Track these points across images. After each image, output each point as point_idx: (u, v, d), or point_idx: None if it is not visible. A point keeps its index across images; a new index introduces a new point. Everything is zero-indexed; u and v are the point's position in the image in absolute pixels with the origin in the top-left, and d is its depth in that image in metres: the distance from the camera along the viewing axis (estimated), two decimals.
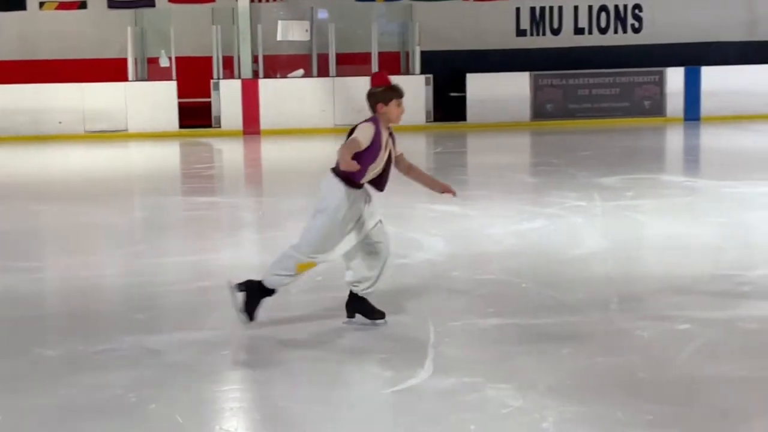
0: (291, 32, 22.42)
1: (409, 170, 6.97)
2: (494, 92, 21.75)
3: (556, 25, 23.41)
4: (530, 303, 7.35)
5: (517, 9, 23.40)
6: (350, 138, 6.44)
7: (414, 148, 19.50)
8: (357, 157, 6.38)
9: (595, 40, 23.16)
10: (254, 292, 6.72)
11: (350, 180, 6.53)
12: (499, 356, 6.19)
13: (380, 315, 6.78)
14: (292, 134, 21.07)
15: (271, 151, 19.56)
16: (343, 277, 6.91)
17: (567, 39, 23.29)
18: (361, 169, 6.46)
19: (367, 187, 6.69)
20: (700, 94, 21.49)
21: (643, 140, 19.37)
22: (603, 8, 23.32)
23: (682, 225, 10.52)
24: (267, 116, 21.47)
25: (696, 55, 22.22)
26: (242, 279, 6.76)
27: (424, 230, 10.37)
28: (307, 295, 7.69)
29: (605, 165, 15.20)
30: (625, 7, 23.28)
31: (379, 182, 6.71)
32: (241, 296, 6.72)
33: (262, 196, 14.24)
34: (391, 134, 6.71)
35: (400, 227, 10.52)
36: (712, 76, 21.51)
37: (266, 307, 6.77)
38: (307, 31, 22.52)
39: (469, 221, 10.99)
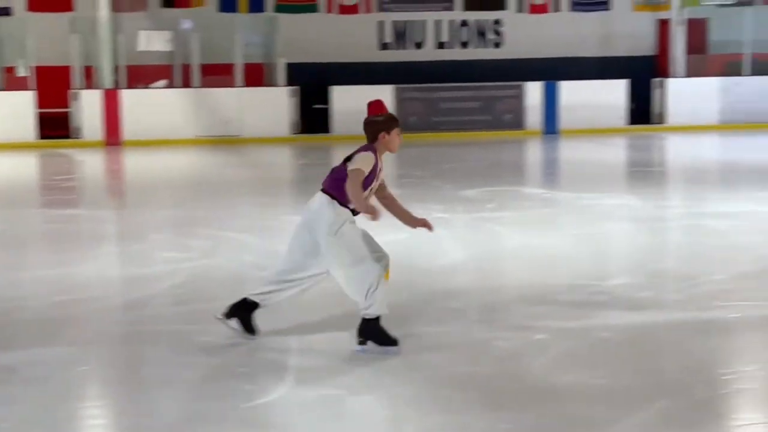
0: (153, 42, 22.16)
1: (388, 200, 6.88)
2: (358, 105, 21.71)
3: (418, 39, 23.67)
4: (392, 315, 7.39)
5: (380, 23, 23.58)
6: (354, 169, 6.37)
7: (278, 159, 19.50)
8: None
9: (457, 54, 23.49)
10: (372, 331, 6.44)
11: (342, 203, 6.47)
12: (361, 368, 6.22)
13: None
14: (154, 145, 20.80)
15: (133, 162, 19.28)
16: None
17: (429, 53, 23.57)
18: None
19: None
20: (558, 108, 21.99)
21: (504, 153, 19.72)
22: (464, 23, 23.67)
23: (541, 236, 10.73)
24: (129, 127, 21.16)
25: (554, 70, 22.72)
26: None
27: (287, 242, 10.34)
28: (169, 308, 7.61)
29: (468, 177, 15.42)
30: (486, 22, 23.68)
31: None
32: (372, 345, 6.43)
33: (125, 208, 14.03)
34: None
35: (264, 239, 10.50)
36: (569, 90, 22.03)
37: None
38: (168, 41, 22.29)
39: None
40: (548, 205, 13.07)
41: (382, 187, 6.75)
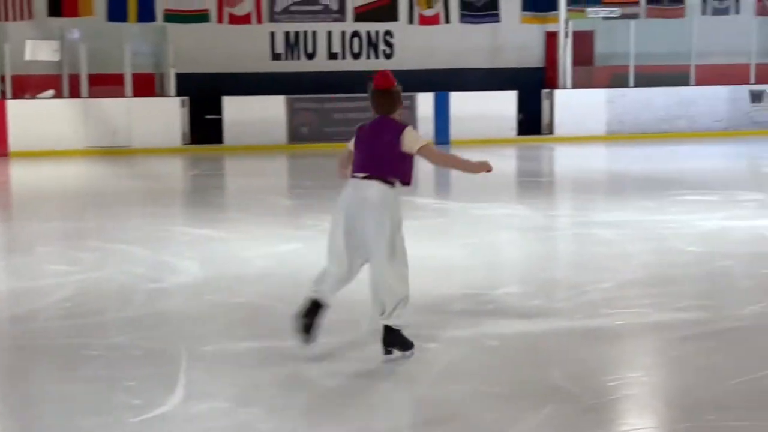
0: (40, 52, 21.76)
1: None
2: (250, 115, 21.79)
3: (310, 50, 23.68)
4: (282, 325, 7.35)
5: (272, 33, 23.52)
6: (422, 146, 6.29)
7: (169, 170, 19.30)
8: (406, 158, 6.28)
9: (348, 64, 23.55)
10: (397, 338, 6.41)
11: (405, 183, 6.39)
12: (251, 380, 6.18)
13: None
14: (42, 156, 20.41)
15: (20, 173, 18.90)
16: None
17: (321, 63, 23.59)
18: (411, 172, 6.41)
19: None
20: (449, 119, 22.19)
21: None
22: (356, 34, 23.76)
23: (433, 246, 10.79)
24: (16, 138, 20.73)
25: (445, 81, 22.93)
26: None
27: (179, 253, 10.27)
28: (56, 322, 7.47)
29: None
30: (377, 33, 23.80)
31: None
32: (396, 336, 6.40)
33: (11, 220, 13.73)
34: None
35: (155, 251, 10.38)
36: (460, 101, 22.26)
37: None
38: (56, 51, 21.91)
39: (225, 244, 10.95)
40: (440, 215, 13.18)
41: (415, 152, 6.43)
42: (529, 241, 11.27)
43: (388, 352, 6.43)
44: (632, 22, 23.39)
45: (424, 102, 22.23)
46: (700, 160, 18.68)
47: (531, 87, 22.96)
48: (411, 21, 23.66)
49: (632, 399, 5.92)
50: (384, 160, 6.36)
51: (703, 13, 24.48)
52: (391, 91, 6.44)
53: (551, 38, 23.80)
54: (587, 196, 14.82)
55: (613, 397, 5.89)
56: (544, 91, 23.02)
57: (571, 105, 22.62)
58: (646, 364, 6.64)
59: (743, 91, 22.60)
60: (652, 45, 23.92)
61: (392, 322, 6.36)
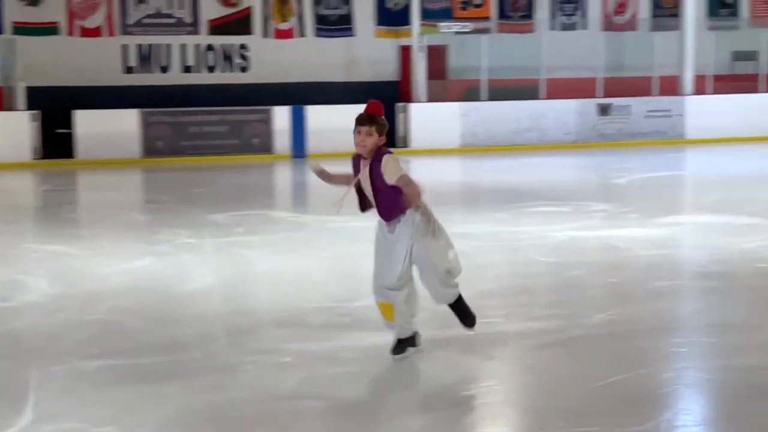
0: None
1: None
2: (103, 129, 21.41)
3: (164, 63, 23.41)
4: (137, 342, 7.27)
5: (124, 46, 23.18)
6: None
7: (20, 186, 18.80)
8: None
9: (203, 78, 23.36)
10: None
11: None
12: (103, 398, 6.07)
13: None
14: None
15: None
16: None
17: (176, 77, 23.34)
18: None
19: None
20: (305, 132, 22.20)
21: (253, 177, 19.72)
22: (210, 47, 23.59)
23: (290, 259, 10.79)
24: None
25: (301, 95, 22.94)
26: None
27: (28, 271, 10.02)
28: None
29: (216, 202, 15.33)
30: (232, 46, 23.67)
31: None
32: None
33: None
34: (373, 160, 6.74)
35: (3, 269, 10.11)
36: (316, 114, 22.29)
37: None
38: None
39: (77, 260, 10.73)
40: (297, 229, 13.16)
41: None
42: None
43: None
44: (484, 37, 23.82)
45: (281, 115, 22.19)
46: (551, 172, 19.11)
47: (386, 100, 23.02)
48: (266, 35, 23.62)
49: (486, 408, 6.02)
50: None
51: (552, 28, 25.10)
52: (383, 123, 6.78)
53: (405, 52, 24.06)
54: (443, 208, 14.91)
55: (468, 406, 5.97)
56: (399, 105, 23.22)
57: (426, 118, 22.87)
58: (500, 373, 6.75)
59: (591, 104, 23.22)
60: (503, 59, 24.40)
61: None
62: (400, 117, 23.07)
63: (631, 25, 25.62)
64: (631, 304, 8.53)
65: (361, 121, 6.72)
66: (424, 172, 20.42)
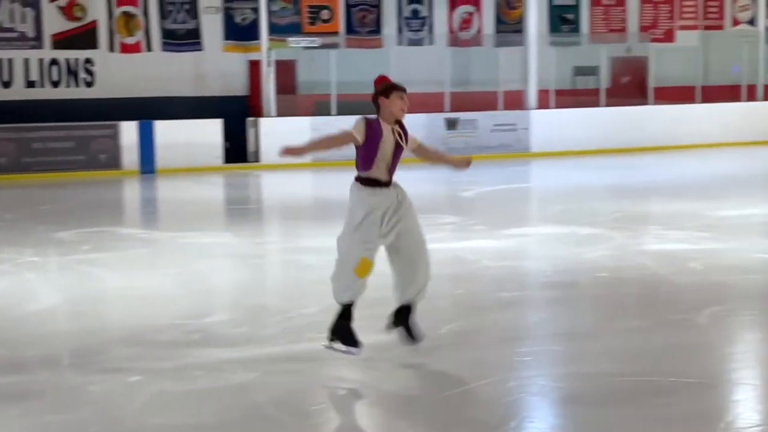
0: None
1: (433, 157, 7.79)
2: None
3: (6, 78, 22.79)
4: None
5: None
6: (344, 131, 7.13)
7: None
8: (361, 154, 7.05)
9: (48, 93, 22.84)
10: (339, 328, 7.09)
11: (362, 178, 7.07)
12: None
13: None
14: None
15: None
16: None
17: (19, 92, 22.75)
18: (367, 160, 7.03)
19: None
20: (154, 148, 21.91)
21: (100, 193, 19.35)
22: (54, 62, 23.06)
23: (139, 277, 10.65)
24: None
25: (150, 110, 22.63)
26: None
27: None
28: None
29: (62, 219, 15.00)
30: (77, 60, 23.20)
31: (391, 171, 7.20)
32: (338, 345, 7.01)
33: None
34: (401, 128, 7.19)
35: None
36: (165, 130, 22.03)
37: None
38: None
39: None
40: (146, 245, 12.98)
41: (422, 151, 7.49)
42: (236, 268, 11.31)
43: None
44: (333, 52, 23.93)
45: (128, 131, 21.82)
46: (402, 185, 19.26)
47: (235, 115, 23.02)
48: (112, 49, 23.24)
49: (333, 422, 6.06)
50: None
51: (399, 43, 25.38)
52: (372, 94, 7.25)
53: (254, 67, 23.97)
54: (293, 223, 15.02)
55: (316, 421, 6.00)
56: (249, 120, 23.13)
57: (276, 133, 22.76)
58: (350, 386, 6.80)
59: (439, 119, 23.53)
60: (353, 74, 24.53)
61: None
62: (250, 132, 22.97)
63: (476, 41, 26.10)
64: (478, 315, 8.70)
65: (404, 89, 7.26)
66: (276, 187, 20.42)
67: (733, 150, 24.24)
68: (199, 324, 8.35)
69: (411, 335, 7.29)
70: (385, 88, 7.21)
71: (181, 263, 11.44)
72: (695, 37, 27.70)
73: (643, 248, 11.71)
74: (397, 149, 7.25)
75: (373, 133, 7.08)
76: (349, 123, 23.99)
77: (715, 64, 27.60)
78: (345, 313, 7.14)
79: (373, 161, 7.11)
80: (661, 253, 11.42)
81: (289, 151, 7.16)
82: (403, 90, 7.24)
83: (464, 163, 7.70)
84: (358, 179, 7.19)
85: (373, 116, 7.23)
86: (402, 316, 7.34)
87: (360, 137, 7.03)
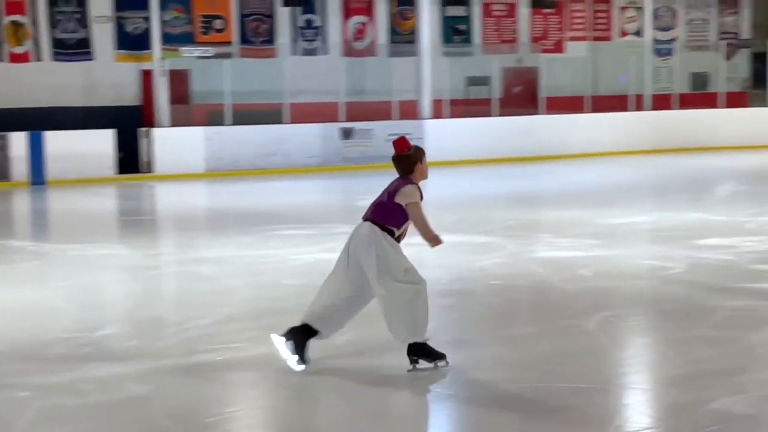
0: None
1: None
2: None
3: None
4: None
5: None
6: (412, 203, 7.13)
7: None
8: (401, 213, 7.16)
9: None
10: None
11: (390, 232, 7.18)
12: None
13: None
14: None
15: None
16: None
17: None
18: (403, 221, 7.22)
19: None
20: (44, 159, 21.54)
21: None
22: None
23: (29, 290, 10.48)
24: None
25: (40, 120, 22.24)
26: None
27: None
28: None
29: None
30: None
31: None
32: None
33: None
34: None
35: None
36: (55, 140, 21.67)
37: None
38: None
39: None
40: (37, 258, 12.78)
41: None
42: (129, 280, 11.19)
43: (414, 361, 7.13)
44: (226, 62, 23.82)
45: (17, 142, 21.42)
46: (296, 195, 19.29)
47: (128, 125, 22.76)
48: (0, 59, 22.80)
49: None
50: (379, 207, 7.25)
51: (294, 53, 25.39)
52: (404, 156, 7.25)
53: (147, 77, 23.74)
54: (188, 233, 14.90)
55: None
56: (142, 130, 22.89)
57: (170, 143, 22.63)
58: (244, 398, 6.79)
59: (334, 128, 23.60)
60: (247, 84, 24.46)
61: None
62: (143, 142, 22.73)
63: (370, 51, 26.25)
64: (372, 325, 8.74)
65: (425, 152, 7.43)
66: (170, 198, 20.24)
67: (621, 159, 24.78)
68: (91, 337, 8.24)
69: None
70: (420, 153, 7.34)
71: (73, 276, 11.28)
72: (584, 47, 28.26)
73: (534, 256, 11.89)
74: None
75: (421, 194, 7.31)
76: (244, 133, 23.73)
77: (603, 74, 28.20)
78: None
79: (407, 220, 7.27)
80: (553, 260, 11.62)
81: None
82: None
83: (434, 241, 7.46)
84: (385, 230, 7.21)
85: (408, 180, 7.27)
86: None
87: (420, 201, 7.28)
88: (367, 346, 7.90)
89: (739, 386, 6.65)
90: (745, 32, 30.34)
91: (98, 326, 8.76)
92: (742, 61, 30.14)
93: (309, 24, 25.66)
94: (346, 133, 23.60)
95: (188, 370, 7.23)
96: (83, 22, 23.59)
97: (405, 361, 7.18)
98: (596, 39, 28.66)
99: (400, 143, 7.34)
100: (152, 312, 9.53)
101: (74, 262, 12.24)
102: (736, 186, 19.53)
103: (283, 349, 7.12)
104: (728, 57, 29.41)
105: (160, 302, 10.30)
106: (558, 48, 28.11)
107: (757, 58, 29.56)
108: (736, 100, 28.85)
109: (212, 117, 23.94)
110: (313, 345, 7.23)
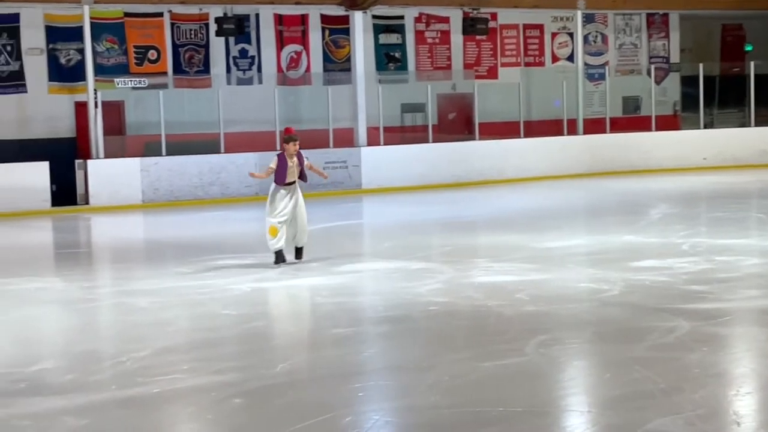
0: None
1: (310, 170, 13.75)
2: None
3: None
4: None
5: None
6: (268, 166, 13.39)
7: None
8: (276, 171, 13.32)
9: None
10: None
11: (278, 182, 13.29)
12: None
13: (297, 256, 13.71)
14: None
15: None
16: None
17: None
18: (280, 176, 13.29)
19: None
20: None
21: None
22: None
23: None
24: None
25: None
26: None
27: None
28: None
29: None
30: None
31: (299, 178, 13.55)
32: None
33: None
34: (298, 156, 13.38)
35: None
36: None
37: None
38: None
39: None
40: None
41: (309, 167, 13.65)
42: (64, 314, 11.07)
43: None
44: (161, 92, 23.72)
45: None
46: (234, 225, 19.23)
47: (63, 157, 22.58)
48: None
49: None
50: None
51: (228, 83, 25.39)
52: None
53: (81, 108, 23.58)
54: (125, 265, 14.79)
55: None
56: (78, 162, 22.72)
57: (106, 174, 22.47)
58: (182, 430, 6.74)
59: (270, 156, 23.49)
60: (182, 114, 24.41)
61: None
62: (78, 174, 22.55)
63: (305, 80, 26.32)
64: (311, 352, 8.75)
65: (295, 138, 13.42)
66: (106, 230, 20.08)
67: (556, 182, 25.04)
68: (26, 373, 8.14)
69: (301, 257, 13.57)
70: (285, 139, 13.50)
71: (7, 310, 11.16)
72: (517, 73, 28.57)
73: (472, 281, 11.96)
74: (301, 166, 13.56)
75: (281, 162, 13.35)
76: (180, 164, 23.58)
77: (536, 99, 28.52)
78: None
79: (284, 176, 13.37)
80: (489, 285, 11.70)
81: (255, 175, 14.32)
82: (295, 139, 13.45)
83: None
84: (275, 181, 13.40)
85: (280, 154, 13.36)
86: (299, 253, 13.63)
87: (274, 166, 13.37)
88: (302, 375, 7.90)
89: (676, 406, 6.73)
90: (674, 56, 30.87)
91: (33, 361, 8.66)
92: (672, 85, 30.65)
93: (243, 53, 25.67)
94: None
95: (125, 402, 7.17)
96: (15, 54, 23.40)
97: (342, 386, 7.21)
98: (529, 64, 28.99)
99: (287, 130, 13.76)
100: (88, 345, 9.44)
101: (8, 295, 12.09)
102: (669, 208, 19.80)
103: None
104: (658, 81, 29.88)
105: (96, 335, 10.20)
106: (491, 74, 28.39)
107: (687, 81, 30.07)
108: (667, 124, 29.30)
109: (148, 148, 23.82)
110: (250, 373, 7.18)
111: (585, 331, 9.35)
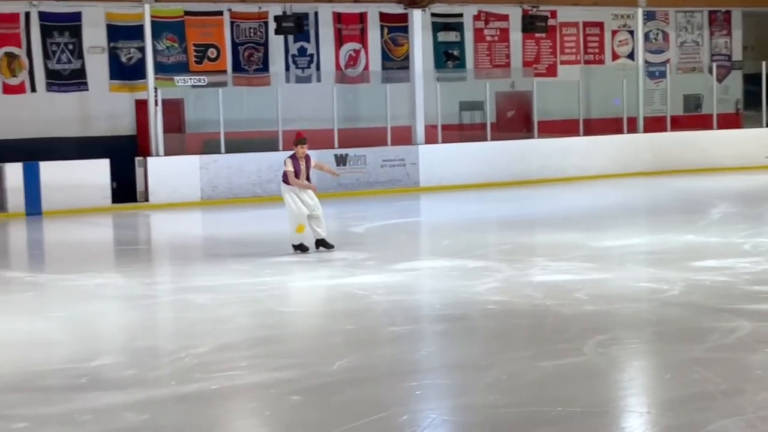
0: None
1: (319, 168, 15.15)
2: None
3: None
4: None
5: None
6: (285, 170, 14.20)
7: None
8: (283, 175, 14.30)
9: None
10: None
11: (286, 182, 14.21)
12: None
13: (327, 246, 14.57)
14: None
15: None
16: None
17: None
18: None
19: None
20: (40, 189, 21.56)
21: None
22: None
23: (25, 321, 10.47)
24: None
25: (35, 151, 22.28)
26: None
27: None
28: None
29: None
30: None
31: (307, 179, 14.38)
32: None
33: None
34: (306, 158, 14.28)
35: None
36: (51, 171, 21.70)
37: None
38: None
39: None
40: (32, 288, 12.78)
41: (317, 166, 14.97)
42: (124, 310, 11.17)
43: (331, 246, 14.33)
44: (220, 90, 23.86)
45: (13, 173, 21.44)
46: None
47: (123, 155, 22.80)
48: None
49: None
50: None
51: (287, 81, 25.48)
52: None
53: (141, 106, 23.79)
54: (184, 262, 14.91)
55: None
56: (138, 159, 22.93)
57: (165, 172, 22.67)
58: (240, 427, 6.78)
59: (329, 155, 23.62)
60: (241, 112, 24.56)
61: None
62: (138, 172, 22.76)
63: (363, 78, 26.34)
64: (368, 350, 8.75)
65: (305, 141, 14.22)
66: (166, 226, 20.25)
67: (615, 181, 24.84)
68: (87, 368, 8.23)
69: (329, 246, 14.43)
70: (296, 142, 14.22)
71: (68, 306, 11.28)
72: (577, 71, 28.37)
73: (530, 279, 11.90)
74: (309, 168, 14.42)
75: (295, 164, 14.22)
76: (239, 161, 23.96)
77: (596, 97, 28.29)
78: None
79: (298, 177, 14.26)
80: (548, 284, 11.64)
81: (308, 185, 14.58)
82: (304, 142, 14.25)
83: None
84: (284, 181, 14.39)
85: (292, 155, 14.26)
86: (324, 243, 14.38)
87: (292, 169, 14.23)
88: (359, 373, 7.91)
89: (737, 408, 6.64)
90: (737, 54, 30.48)
91: (94, 356, 8.76)
92: (734, 83, 30.26)
93: (302, 52, 25.75)
94: (340, 160, 23.66)
95: (184, 398, 7.23)
96: (77, 53, 23.67)
97: (399, 384, 7.21)
98: (588, 62, 28.78)
99: (297, 134, 14.44)
100: (147, 341, 9.52)
101: (70, 292, 12.24)
102: (730, 207, 19.56)
103: None
104: (720, 79, 29.52)
105: (156, 331, 10.30)
106: (551, 72, 28.22)
107: (749, 79, 29.67)
108: (728, 122, 28.94)
109: (207, 146, 23.98)
110: (308, 371, 7.20)
111: (644, 331, 9.27)
